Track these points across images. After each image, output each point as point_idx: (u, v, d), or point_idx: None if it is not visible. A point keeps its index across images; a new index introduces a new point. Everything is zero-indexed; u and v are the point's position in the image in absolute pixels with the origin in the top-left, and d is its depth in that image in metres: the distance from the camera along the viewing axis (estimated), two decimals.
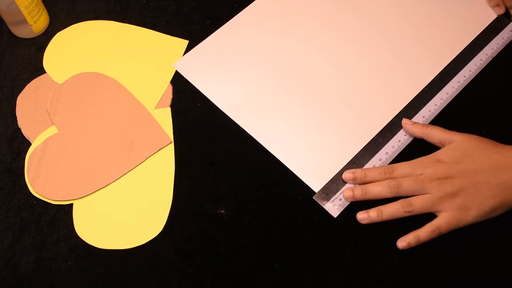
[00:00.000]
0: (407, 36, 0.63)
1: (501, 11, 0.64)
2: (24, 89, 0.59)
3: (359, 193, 0.51)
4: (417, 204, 0.50)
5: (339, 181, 0.54)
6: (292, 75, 0.60)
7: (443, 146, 0.53)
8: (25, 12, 0.59)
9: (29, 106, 0.58)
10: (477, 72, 0.60)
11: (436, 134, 0.54)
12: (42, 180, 0.53)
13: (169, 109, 0.58)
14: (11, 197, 0.53)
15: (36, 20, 0.61)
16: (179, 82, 0.60)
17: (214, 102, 0.58)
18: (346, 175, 0.53)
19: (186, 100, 0.59)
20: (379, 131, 0.57)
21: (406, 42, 0.62)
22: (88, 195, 0.53)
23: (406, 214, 0.50)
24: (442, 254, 0.50)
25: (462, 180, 0.50)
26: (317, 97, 0.59)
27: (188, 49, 0.62)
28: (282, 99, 0.59)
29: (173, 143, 0.56)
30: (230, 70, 0.61)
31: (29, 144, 0.56)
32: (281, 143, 0.56)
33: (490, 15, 0.64)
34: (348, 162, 0.55)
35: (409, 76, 0.60)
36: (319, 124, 0.57)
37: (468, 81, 0.60)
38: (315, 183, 0.54)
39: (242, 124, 0.57)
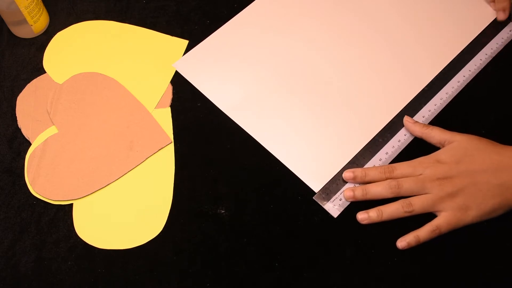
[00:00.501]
0: (407, 36, 0.63)
1: (504, 16, 0.63)
2: (24, 89, 0.59)
3: (360, 193, 0.51)
4: (417, 204, 0.50)
5: (339, 181, 0.54)
6: (292, 75, 0.60)
7: (443, 146, 0.53)
8: (25, 12, 0.59)
9: (29, 106, 0.58)
10: (477, 72, 0.60)
11: (436, 135, 0.54)
12: (42, 180, 0.53)
13: (169, 109, 0.58)
14: (11, 197, 0.53)
15: (36, 20, 0.61)
16: (179, 82, 0.60)
17: (214, 102, 0.58)
18: (346, 174, 0.53)
19: (186, 100, 0.59)
20: (379, 131, 0.57)
21: (406, 42, 0.62)
22: (88, 195, 0.53)
23: (406, 214, 0.50)
24: (442, 254, 0.50)
25: (462, 180, 0.50)
26: (317, 97, 0.59)
27: (188, 49, 0.62)
28: (282, 99, 0.59)
29: (173, 143, 0.56)
30: (230, 70, 0.61)
31: (29, 144, 0.56)
32: (281, 143, 0.56)
33: (490, 15, 0.64)
34: (348, 162, 0.55)
35: (409, 76, 0.60)
36: (319, 124, 0.57)
37: (468, 81, 0.60)
38: (315, 183, 0.54)
39: (242, 124, 0.57)
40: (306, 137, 0.56)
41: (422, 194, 0.50)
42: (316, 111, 0.58)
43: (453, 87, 0.59)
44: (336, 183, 0.54)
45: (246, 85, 0.60)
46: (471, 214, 0.49)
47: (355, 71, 0.60)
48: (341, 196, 0.53)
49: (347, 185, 0.53)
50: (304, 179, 0.54)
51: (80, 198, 0.53)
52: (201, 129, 0.57)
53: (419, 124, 0.55)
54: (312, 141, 0.56)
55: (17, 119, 0.57)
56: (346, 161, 0.55)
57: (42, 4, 0.61)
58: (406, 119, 0.56)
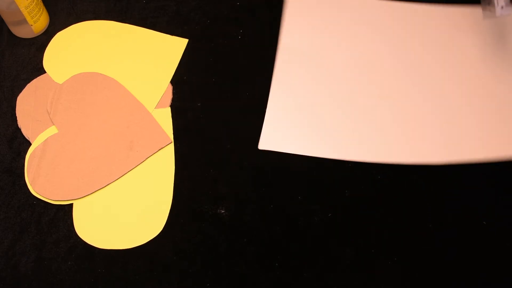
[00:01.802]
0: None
1: None
2: (24, 89, 0.59)
3: None
4: None
5: None
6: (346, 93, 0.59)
7: None
8: (25, 12, 0.59)
9: (29, 106, 0.58)
10: None
11: None
12: (42, 180, 0.53)
13: (169, 109, 0.58)
14: (11, 197, 0.53)
15: (36, 20, 0.61)
16: (179, 82, 0.60)
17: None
18: None
19: (186, 100, 0.59)
20: None
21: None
22: (88, 195, 0.53)
23: None
24: (442, 254, 0.50)
25: None
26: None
27: (188, 48, 0.62)
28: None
29: (173, 143, 0.56)
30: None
31: (29, 144, 0.56)
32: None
33: None
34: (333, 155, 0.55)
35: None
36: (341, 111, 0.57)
37: None
38: (268, 142, 0.55)
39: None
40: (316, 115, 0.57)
41: None
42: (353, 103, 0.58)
43: None
44: None
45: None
46: None
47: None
48: None
49: None
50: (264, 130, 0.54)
51: (80, 198, 0.53)
52: (201, 129, 0.57)
53: None
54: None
55: (17, 119, 0.57)
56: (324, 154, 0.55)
57: (42, 4, 0.61)
58: None
